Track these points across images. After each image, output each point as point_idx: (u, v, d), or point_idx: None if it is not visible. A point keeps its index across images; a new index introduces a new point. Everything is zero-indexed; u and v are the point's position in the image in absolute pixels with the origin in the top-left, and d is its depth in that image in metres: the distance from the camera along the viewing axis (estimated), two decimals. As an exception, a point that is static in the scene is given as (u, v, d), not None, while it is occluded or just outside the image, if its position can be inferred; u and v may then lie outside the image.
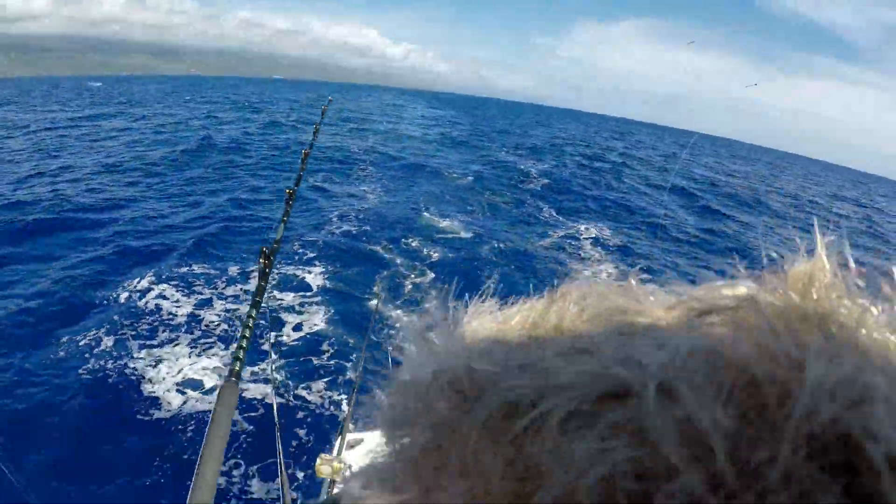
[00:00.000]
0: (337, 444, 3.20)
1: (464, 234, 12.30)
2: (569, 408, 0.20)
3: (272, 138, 26.19)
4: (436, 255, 10.60)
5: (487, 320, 0.30)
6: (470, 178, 19.48)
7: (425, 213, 13.71)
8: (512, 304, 0.31)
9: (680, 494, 0.18)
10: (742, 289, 0.25)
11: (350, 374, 6.36)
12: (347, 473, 3.04)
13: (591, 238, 13.54)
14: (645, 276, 0.30)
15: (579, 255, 12.16)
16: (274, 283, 7.97)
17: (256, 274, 2.43)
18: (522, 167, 23.31)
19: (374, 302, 4.78)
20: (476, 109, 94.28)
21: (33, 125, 26.34)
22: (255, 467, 5.06)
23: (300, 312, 7.80)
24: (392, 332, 7.19)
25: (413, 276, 9.41)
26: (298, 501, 4.21)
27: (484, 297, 0.33)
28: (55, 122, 28.61)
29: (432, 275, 9.39)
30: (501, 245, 11.67)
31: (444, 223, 12.99)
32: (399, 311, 7.75)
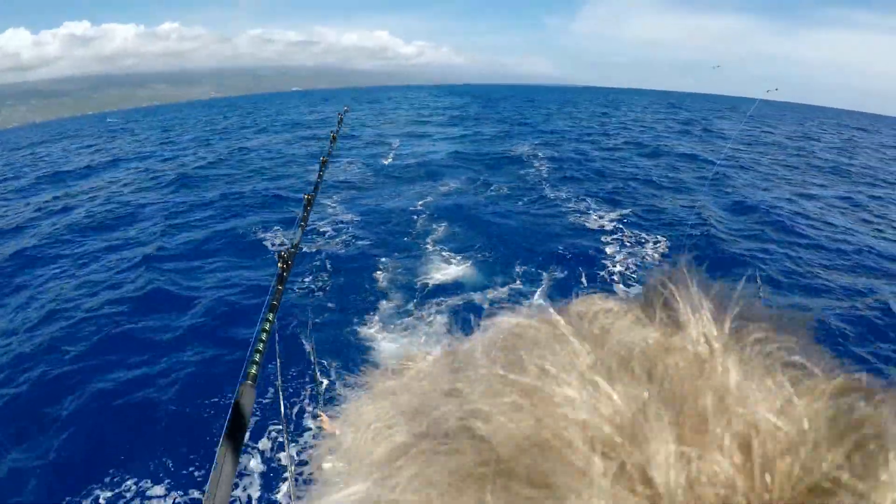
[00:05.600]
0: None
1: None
2: None
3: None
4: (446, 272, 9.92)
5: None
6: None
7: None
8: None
9: None
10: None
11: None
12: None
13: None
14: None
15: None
16: (289, 286, 7.87)
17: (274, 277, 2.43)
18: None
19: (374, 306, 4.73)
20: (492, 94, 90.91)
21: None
22: (265, 466, 5.24)
23: (307, 315, 7.75)
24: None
25: (412, 276, 9.24)
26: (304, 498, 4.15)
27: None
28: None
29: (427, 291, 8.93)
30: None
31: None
32: (403, 319, 7.83)
